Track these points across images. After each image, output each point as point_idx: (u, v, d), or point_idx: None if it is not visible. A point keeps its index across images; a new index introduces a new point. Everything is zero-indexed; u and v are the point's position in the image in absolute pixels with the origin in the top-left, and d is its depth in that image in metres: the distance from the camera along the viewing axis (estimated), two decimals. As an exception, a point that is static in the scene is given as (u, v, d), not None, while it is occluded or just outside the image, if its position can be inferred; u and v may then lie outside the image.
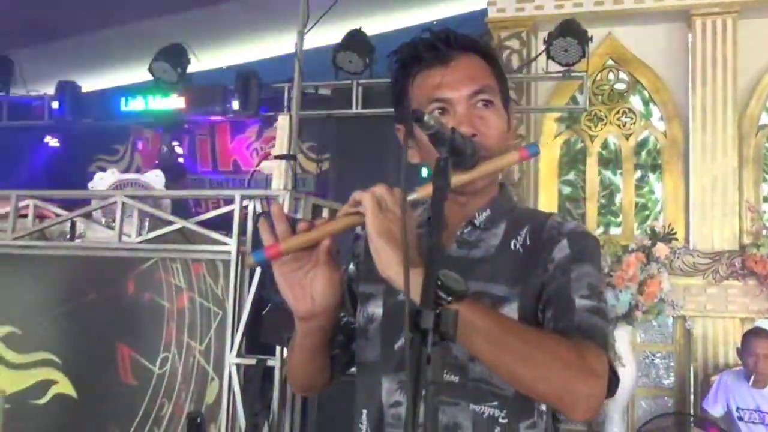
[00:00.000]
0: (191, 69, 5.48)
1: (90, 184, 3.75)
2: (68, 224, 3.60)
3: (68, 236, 3.58)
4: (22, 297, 3.60)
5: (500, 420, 1.19)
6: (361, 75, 4.91)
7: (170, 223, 3.30)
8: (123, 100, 5.73)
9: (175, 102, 5.63)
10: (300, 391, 1.67)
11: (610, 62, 4.88)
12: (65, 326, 3.52)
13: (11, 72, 6.03)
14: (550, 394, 1.12)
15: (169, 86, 5.49)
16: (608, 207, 4.83)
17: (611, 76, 4.88)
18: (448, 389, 1.21)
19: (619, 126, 4.82)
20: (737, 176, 4.55)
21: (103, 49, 6.02)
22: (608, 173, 4.85)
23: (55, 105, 5.86)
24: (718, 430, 3.87)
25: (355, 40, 4.92)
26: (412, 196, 1.18)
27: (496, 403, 1.19)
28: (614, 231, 4.80)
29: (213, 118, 5.84)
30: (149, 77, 5.43)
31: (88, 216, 3.54)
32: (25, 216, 3.61)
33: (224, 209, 3.17)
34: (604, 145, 4.86)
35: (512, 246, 1.29)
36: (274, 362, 3.09)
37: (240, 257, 3.07)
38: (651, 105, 4.80)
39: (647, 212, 4.76)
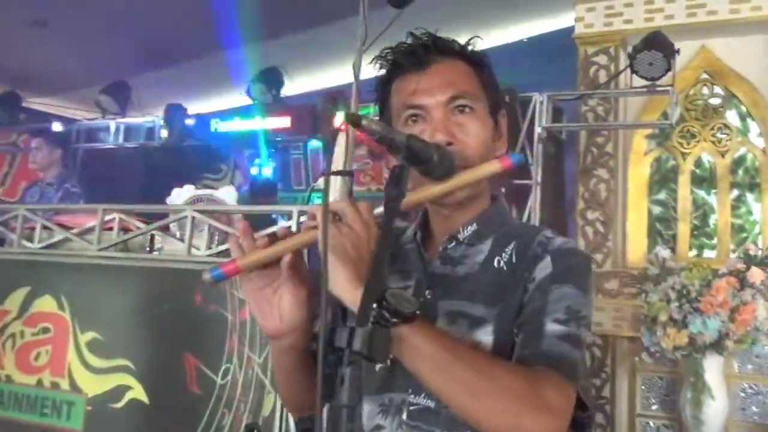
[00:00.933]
0: (285, 92, 5.67)
1: (168, 199, 3.94)
2: (149, 237, 3.80)
3: (147, 248, 3.78)
4: (106, 305, 3.81)
5: None
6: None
7: (236, 237, 3.39)
8: (222, 121, 5.98)
9: (272, 122, 5.83)
10: (294, 412, 1.67)
11: (705, 76, 4.61)
12: (141, 334, 3.69)
13: (128, 96, 6.46)
14: (496, 428, 1.05)
15: (265, 107, 5.70)
16: (702, 228, 4.55)
17: (705, 90, 4.61)
18: (423, 415, 1.17)
19: (713, 143, 4.54)
20: None
21: (206, 74, 6.34)
22: (702, 192, 4.57)
23: (163, 127, 6.24)
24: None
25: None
26: (379, 210, 1.15)
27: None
28: (708, 254, 4.51)
29: (307, 137, 6.01)
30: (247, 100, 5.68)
31: (164, 229, 3.72)
32: (111, 229, 3.84)
33: (284, 224, 3.24)
34: (698, 163, 4.59)
35: (496, 263, 1.23)
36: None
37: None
38: (748, 120, 4.50)
39: (744, 234, 4.44)
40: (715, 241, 4.51)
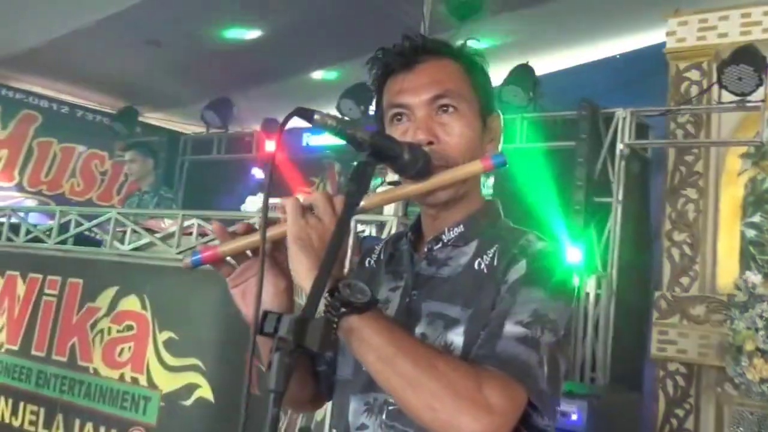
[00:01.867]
0: (373, 108, 5.76)
1: (242, 206, 4.08)
2: (224, 242, 3.94)
3: (222, 253, 3.91)
4: (182, 306, 3.98)
5: None
6: (525, 109, 4.85)
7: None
8: (313, 135, 6.16)
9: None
10: (290, 408, 1.67)
11: (806, 91, 4.32)
12: (212, 335, 3.82)
13: (230, 111, 6.76)
14: (433, 424, 1.03)
15: (351, 123, 5.81)
16: (799, 254, 4.25)
17: (805, 106, 4.31)
18: (400, 416, 1.16)
19: (813, 163, 4.25)
20: None
21: (300, 90, 6.55)
22: (800, 216, 4.27)
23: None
24: None
25: (520, 73, 4.87)
26: (359, 205, 1.14)
27: None
28: (807, 282, 4.19)
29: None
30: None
31: (237, 235, 3.85)
32: (190, 234, 4.02)
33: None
34: (796, 185, 4.30)
35: (476, 266, 1.22)
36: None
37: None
38: None
39: None
40: (814, 268, 4.21)
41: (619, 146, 4.24)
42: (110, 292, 4.27)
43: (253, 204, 4.04)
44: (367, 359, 1.04)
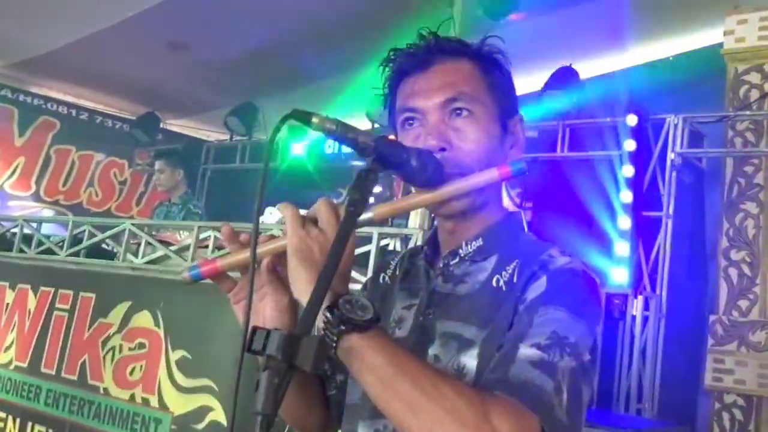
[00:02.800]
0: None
1: (261, 218, 3.86)
2: (242, 256, 3.73)
3: (240, 267, 3.71)
4: (195, 324, 3.78)
5: None
6: (567, 115, 4.59)
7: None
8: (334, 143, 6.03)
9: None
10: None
11: None
12: (225, 355, 3.61)
13: (255, 117, 6.60)
14: None
15: (383, 130, 5.61)
16: None
17: None
18: None
19: None
20: None
21: (327, 97, 6.37)
22: None
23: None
24: None
25: (563, 76, 4.62)
26: (367, 215, 1.09)
27: None
28: None
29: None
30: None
31: (256, 248, 3.64)
32: (206, 246, 3.80)
33: (363, 248, 3.05)
34: None
35: (495, 283, 1.17)
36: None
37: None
38: None
39: None
40: None
41: (671, 156, 3.99)
42: (123, 308, 4.14)
43: (272, 216, 3.84)
44: (366, 381, 1.00)
